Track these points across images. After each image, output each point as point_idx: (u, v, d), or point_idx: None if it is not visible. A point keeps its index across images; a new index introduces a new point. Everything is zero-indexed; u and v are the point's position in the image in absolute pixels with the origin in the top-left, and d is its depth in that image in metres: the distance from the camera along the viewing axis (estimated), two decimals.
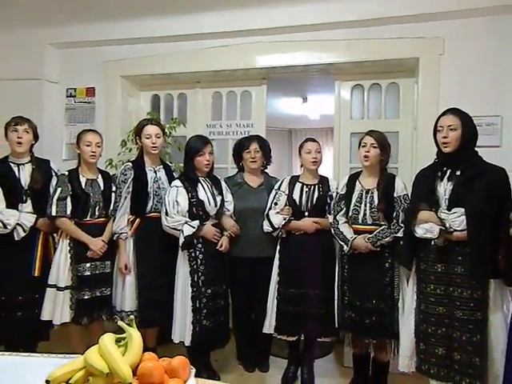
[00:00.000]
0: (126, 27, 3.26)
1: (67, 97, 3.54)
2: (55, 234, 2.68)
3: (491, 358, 1.95)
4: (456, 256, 2.02)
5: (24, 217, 2.56)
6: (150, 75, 3.43)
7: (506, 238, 1.85)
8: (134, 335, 1.00)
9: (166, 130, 3.09)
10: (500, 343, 1.92)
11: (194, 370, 1.01)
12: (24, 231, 2.55)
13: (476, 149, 2.16)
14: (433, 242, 2.05)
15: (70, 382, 0.93)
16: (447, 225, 2.02)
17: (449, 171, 2.10)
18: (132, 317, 1.05)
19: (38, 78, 3.43)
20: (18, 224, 2.53)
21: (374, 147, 2.35)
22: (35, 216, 2.58)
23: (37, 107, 3.37)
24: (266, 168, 2.92)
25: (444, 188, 2.09)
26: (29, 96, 3.37)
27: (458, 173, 2.07)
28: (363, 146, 2.38)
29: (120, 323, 1.05)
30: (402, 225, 2.29)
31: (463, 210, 2.00)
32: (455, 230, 2.01)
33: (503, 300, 1.99)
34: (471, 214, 1.97)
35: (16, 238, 2.54)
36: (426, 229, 2.07)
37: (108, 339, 0.98)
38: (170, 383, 0.94)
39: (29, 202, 2.60)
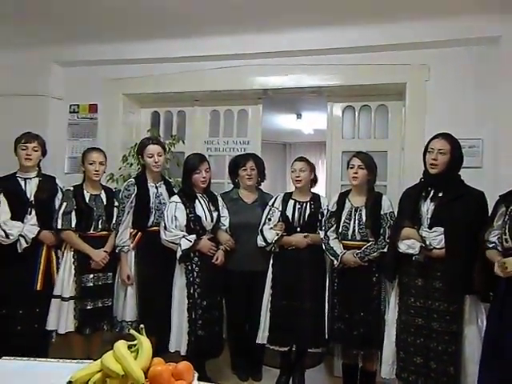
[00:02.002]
0: (129, 48, 3.40)
1: (70, 113, 3.67)
2: (58, 250, 2.77)
3: (466, 368, 2.09)
4: (435, 272, 2.17)
5: (27, 228, 2.65)
6: (151, 94, 3.57)
7: (482, 257, 2.00)
8: (144, 342, 1.13)
9: (166, 147, 3.23)
10: (474, 355, 2.07)
11: (196, 374, 1.14)
12: (26, 242, 2.63)
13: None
14: (414, 258, 2.20)
15: (89, 382, 1.06)
16: (427, 242, 2.18)
17: (432, 192, 2.26)
18: (142, 326, 1.18)
19: (43, 95, 3.56)
20: (20, 235, 2.62)
21: (362, 168, 2.51)
22: (38, 228, 2.67)
23: (41, 122, 3.48)
24: (260, 184, 3.06)
25: (427, 207, 2.25)
26: (34, 111, 3.50)
27: (441, 194, 2.23)
28: (351, 168, 2.54)
29: (132, 331, 1.18)
30: (388, 241, 2.43)
31: (443, 229, 2.16)
32: (435, 248, 2.17)
33: (478, 314, 2.14)
34: (449, 234, 2.13)
35: (19, 250, 2.62)
36: (408, 245, 2.22)
37: (122, 345, 1.12)
38: None
39: (33, 213, 2.70)
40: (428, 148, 2.29)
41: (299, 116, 6.03)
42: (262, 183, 3.08)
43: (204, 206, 2.75)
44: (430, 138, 2.39)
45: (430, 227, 2.21)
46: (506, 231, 1.96)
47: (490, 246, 2.01)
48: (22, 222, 2.67)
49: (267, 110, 3.93)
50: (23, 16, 3.19)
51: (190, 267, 2.66)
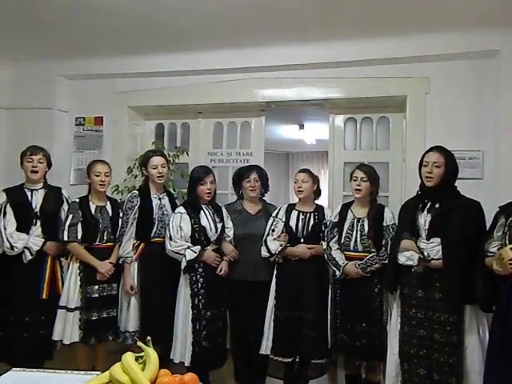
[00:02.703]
0: (134, 62, 3.47)
1: (76, 125, 3.74)
2: (62, 258, 2.83)
3: (467, 379, 2.10)
4: (434, 282, 2.20)
5: (32, 241, 2.71)
6: (156, 106, 3.64)
7: (482, 268, 2.03)
8: (152, 354, 1.16)
9: (170, 158, 3.29)
10: (476, 365, 2.08)
11: None
12: (31, 254, 2.69)
13: (460, 181, 2.37)
14: (413, 269, 2.23)
15: None
16: (426, 253, 2.21)
17: (429, 204, 2.30)
18: (149, 338, 1.21)
19: (49, 108, 3.63)
20: (25, 247, 2.68)
21: (364, 181, 2.55)
22: (42, 240, 2.73)
23: (47, 134, 3.57)
24: (264, 196, 3.09)
25: (424, 219, 2.29)
26: (40, 124, 3.58)
27: (437, 205, 2.27)
28: (354, 180, 2.57)
29: (139, 343, 1.21)
30: (390, 252, 2.45)
31: (440, 240, 2.18)
32: (433, 259, 2.20)
33: (479, 324, 2.15)
34: (446, 245, 2.16)
35: (24, 261, 2.69)
36: (407, 256, 2.25)
37: (129, 357, 1.15)
38: None
39: (38, 224, 2.76)
40: (423, 161, 2.33)
41: (302, 126, 6.08)
42: (266, 194, 3.11)
43: (209, 217, 2.79)
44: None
45: (428, 238, 2.24)
46: (507, 242, 1.98)
47: (490, 255, 2.04)
48: (28, 232, 2.72)
49: (270, 121, 3.98)
50: (28, 30, 3.27)
51: (194, 278, 2.69)
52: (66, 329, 2.64)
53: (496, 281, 1.99)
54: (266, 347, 2.74)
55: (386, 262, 2.44)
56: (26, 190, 2.80)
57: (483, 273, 2.03)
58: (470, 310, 2.15)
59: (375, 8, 2.67)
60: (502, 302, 1.97)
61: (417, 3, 2.59)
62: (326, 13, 2.76)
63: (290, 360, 2.75)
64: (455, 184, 2.33)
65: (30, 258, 2.69)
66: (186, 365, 2.63)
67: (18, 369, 1.34)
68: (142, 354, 1.18)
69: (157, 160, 2.84)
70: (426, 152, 2.36)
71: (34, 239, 2.72)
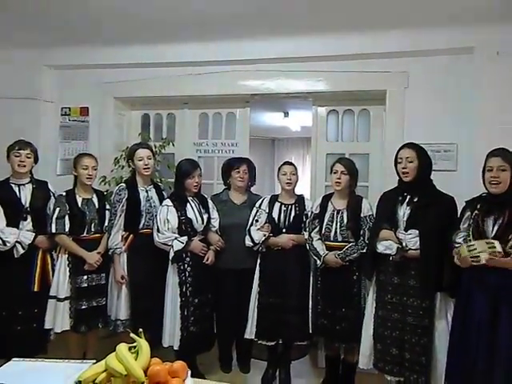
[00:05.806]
0: (120, 53, 3.48)
1: (62, 115, 3.73)
2: (53, 252, 2.86)
3: (436, 358, 2.28)
4: (410, 270, 2.35)
5: (23, 235, 2.73)
6: (141, 97, 3.66)
7: (450, 257, 2.19)
8: (144, 344, 1.27)
9: (156, 149, 3.35)
10: (443, 346, 2.25)
11: (190, 372, 1.29)
12: (23, 248, 2.71)
13: (435, 172, 2.51)
14: (391, 258, 2.37)
15: (96, 382, 1.20)
16: (404, 244, 2.35)
17: (408, 197, 2.43)
18: (141, 330, 1.32)
19: (34, 98, 3.62)
20: (17, 242, 2.70)
21: (344, 174, 2.66)
22: (34, 234, 2.76)
23: (33, 125, 3.58)
24: (250, 188, 3.19)
25: (403, 211, 2.42)
26: (26, 114, 3.57)
27: (416, 199, 2.40)
28: (334, 173, 2.69)
29: (132, 335, 1.31)
30: (367, 242, 2.59)
31: (418, 231, 2.32)
32: (410, 249, 2.34)
33: (447, 309, 2.32)
34: (423, 236, 2.30)
35: (16, 256, 2.71)
36: (386, 246, 2.39)
37: (123, 348, 1.25)
38: (173, 382, 1.22)
39: (29, 219, 2.78)
40: (397, 159, 2.46)
41: (286, 114, 6.15)
42: (252, 187, 3.21)
43: (195, 209, 2.88)
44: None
45: (406, 230, 2.37)
46: (470, 233, 2.16)
47: (457, 246, 2.20)
48: (17, 227, 2.74)
49: (255, 109, 4.01)
50: (14, 19, 3.24)
51: (182, 267, 2.79)
52: (57, 318, 2.71)
53: (460, 270, 2.16)
54: (250, 332, 2.88)
55: (364, 251, 2.58)
56: (13, 185, 2.79)
57: (450, 262, 2.19)
58: (441, 296, 2.31)
59: (358, 4, 2.75)
60: (463, 290, 2.15)
61: (397, 1, 2.67)
62: (310, 8, 2.82)
63: (273, 343, 2.89)
64: (431, 177, 2.46)
65: (21, 252, 2.70)
66: (175, 349, 2.76)
67: (17, 359, 1.43)
68: (134, 344, 1.29)
69: (142, 152, 2.89)
70: (399, 150, 2.48)
71: (25, 233, 2.73)
